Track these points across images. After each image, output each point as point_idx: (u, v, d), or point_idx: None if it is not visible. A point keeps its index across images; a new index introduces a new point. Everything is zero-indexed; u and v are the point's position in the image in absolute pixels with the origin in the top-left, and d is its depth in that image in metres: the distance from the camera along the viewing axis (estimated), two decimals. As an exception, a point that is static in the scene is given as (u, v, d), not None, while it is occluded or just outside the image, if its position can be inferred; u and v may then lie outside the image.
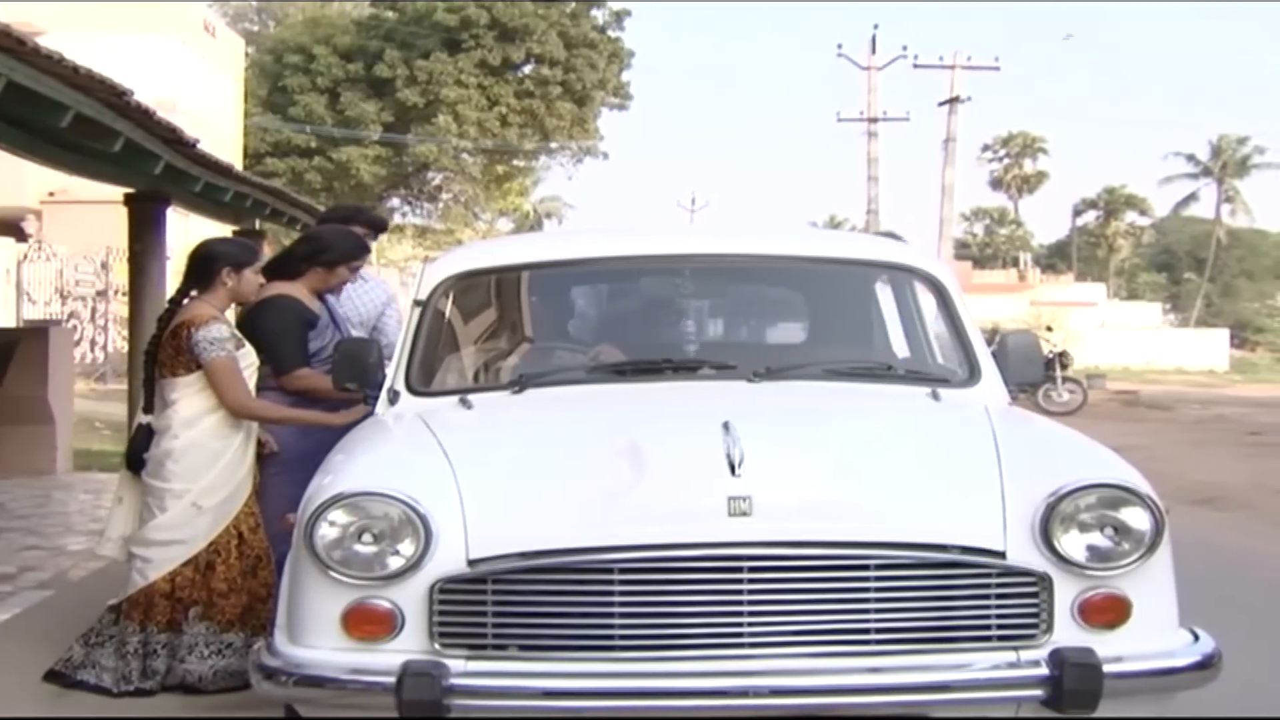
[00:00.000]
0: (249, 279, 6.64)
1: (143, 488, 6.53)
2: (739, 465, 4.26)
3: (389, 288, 8.56)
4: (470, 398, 5.69)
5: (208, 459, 6.41)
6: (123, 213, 12.86)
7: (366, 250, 7.48)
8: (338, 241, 7.31)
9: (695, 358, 6.28)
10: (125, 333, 15.39)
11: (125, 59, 20.92)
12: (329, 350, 6.83)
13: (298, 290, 7.04)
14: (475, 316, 6.93)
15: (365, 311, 7.97)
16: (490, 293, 6.96)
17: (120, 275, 26.89)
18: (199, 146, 11.39)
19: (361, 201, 38.52)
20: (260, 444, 6.71)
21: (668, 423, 4.96)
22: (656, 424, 4.91)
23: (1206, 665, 4.43)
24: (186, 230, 21.14)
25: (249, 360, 6.53)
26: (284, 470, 6.61)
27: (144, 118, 9.65)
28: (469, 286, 6.65)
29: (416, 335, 6.02)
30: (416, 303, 6.16)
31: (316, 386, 6.65)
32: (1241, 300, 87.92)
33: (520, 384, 5.76)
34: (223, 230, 15.08)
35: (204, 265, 6.58)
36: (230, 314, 6.82)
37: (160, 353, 6.50)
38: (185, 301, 6.60)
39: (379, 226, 8.47)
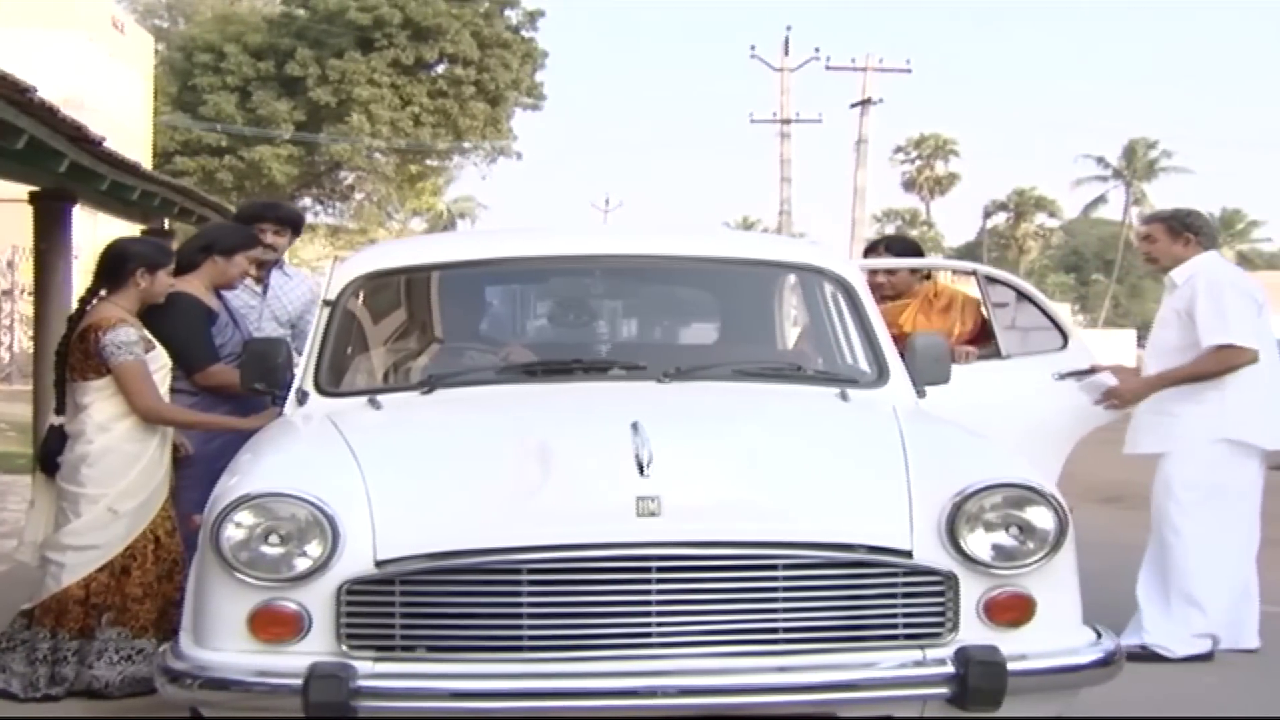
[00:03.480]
0: (163, 280, 6.56)
1: (57, 491, 6.44)
2: (648, 466, 4.28)
3: (315, 286, 8.45)
4: (379, 398, 5.65)
5: (124, 463, 6.34)
6: (28, 211, 12.68)
7: (255, 240, 7.36)
8: (224, 234, 7.32)
9: (605, 358, 6.27)
10: (31, 333, 15.19)
11: (30, 55, 20.67)
12: (229, 347, 6.81)
13: (194, 286, 6.95)
14: (386, 316, 6.90)
15: (291, 308, 7.88)
16: (401, 293, 6.93)
17: (26, 274, 26.55)
18: (106, 144, 11.25)
19: (273, 200, 38.22)
20: (176, 447, 6.64)
21: (577, 423, 4.95)
22: (565, 424, 4.90)
23: (1109, 663, 4.48)
24: (95, 229, 20.88)
25: (161, 362, 6.46)
26: (191, 472, 6.56)
27: (48, 115, 9.52)
28: (379, 286, 6.63)
29: (326, 335, 5.97)
30: (326, 302, 6.11)
31: (231, 382, 6.57)
32: (1148, 301, 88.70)
33: (430, 384, 5.74)
34: (131, 229, 14.92)
35: (116, 265, 6.49)
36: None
37: (70, 355, 6.42)
38: (94, 302, 6.52)
39: (290, 222, 8.22)
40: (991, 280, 8.16)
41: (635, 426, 4.42)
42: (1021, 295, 8.15)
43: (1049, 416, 7.53)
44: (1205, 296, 7.25)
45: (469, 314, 7.03)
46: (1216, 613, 7.24)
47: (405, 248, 8.88)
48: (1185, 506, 7.29)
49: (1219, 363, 7.21)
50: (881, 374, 5.93)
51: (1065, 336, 8.01)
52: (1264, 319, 7.48)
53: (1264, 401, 7.38)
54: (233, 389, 6.57)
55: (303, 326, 7.84)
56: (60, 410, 6.56)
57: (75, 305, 6.76)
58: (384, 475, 4.54)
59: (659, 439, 4.37)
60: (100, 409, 6.33)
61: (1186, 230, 7.53)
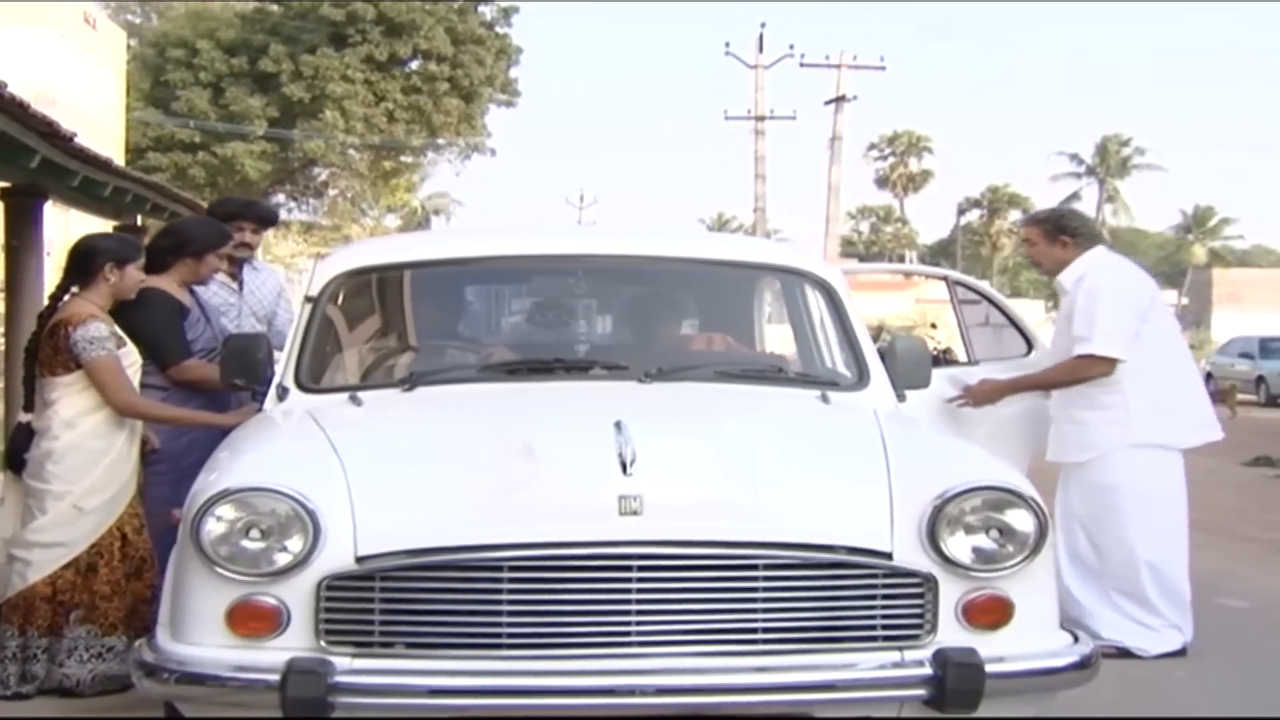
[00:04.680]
0: (132, 275, 6.52)
1: (24, 489, 6.41)
2: (630, 465, 4.27)
3: (280, 277, 8.46)
4: (360, 395, 5.64)
5: (90, 460, 6.30)
6: (-2, 207, 12.66)
7: (229, 237, 7.32)
8: (200, 231, 7.25)
9: (586, 358, 6.28)
10: (2, 329, 15.11)
11: (1, 51, 20.56)
12: (200, 343, 6.79)
13: (166, 283, 6.92)
14: (367, 314, 6.88)
15: (265, 304, 7.90)
16: (383, 290, 6.90)
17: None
18: (77, 140, 11.23)
19: (250, 198, 38.07)
20: (143, 442, 6.61)
21: (559, 422, 4.94)
22: (548, 423, 4.89)
23: (1085, 665, 4.51)
24: (67, 225, 20.74)
25: (131, 359, 6.43)
26: (159, 469, 6.55)
27: (19, 110, 9.50)
28: (361, 283, 6.62)
29: (307, 332, 5.95)
30: (308, 299, 6.09)
31: (206, 377, 6.57)
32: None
33: (411, 382, 5.72)
34: (103, 226, 14.87)
35: (85, 261, 6.46)
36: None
37: (39, 351, 6.38)
38: (65, 298, 6.49)
39: (266, 220, 8.30)
40: (960, 285, 8.28)
41: (618, 426, 4.41)
42: (990, 302, 8.25)
43: (1014, 421, 7.61)
44: (1081, 304, 7.21)
45: (451, 312, 7.01)
46: (1163, 605, 7.20)
47: (388, 245, 8.86)
48: (1111, 513, 7.23)
49: (1068, 373, 7.25)
50: (862, 377, 5.93)
51: (1029, 344, 8.12)
52: (1155, 321, 7.42)
53: (1170, 402, 7.34)
54: (206, 384, 6.57)
55: (272, 321, 7.86)
56: (28, 407, 6.52)
57: (46, 302, 6.73)
58: (365, 471, 4.53)
59: (642, 438, 4.36)
60: (67, 405, 6.29)
61: (1062, 233, 7.47)
